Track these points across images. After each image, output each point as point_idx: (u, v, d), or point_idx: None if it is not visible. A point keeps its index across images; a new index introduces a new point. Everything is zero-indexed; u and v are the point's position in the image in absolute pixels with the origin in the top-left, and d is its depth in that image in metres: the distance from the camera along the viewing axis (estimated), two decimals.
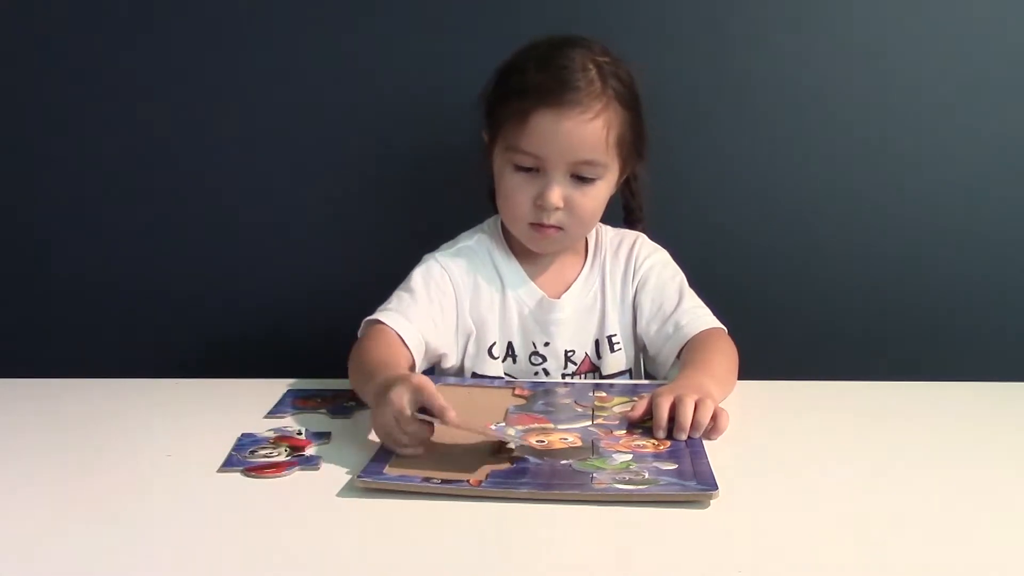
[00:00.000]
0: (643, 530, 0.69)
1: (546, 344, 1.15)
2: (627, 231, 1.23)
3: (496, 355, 1.15)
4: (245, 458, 0.84)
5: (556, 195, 1.06)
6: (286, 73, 1.35)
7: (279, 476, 0.80)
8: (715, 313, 1.14)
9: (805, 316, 1.39)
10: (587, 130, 1.04)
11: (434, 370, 1.15)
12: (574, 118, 1.04)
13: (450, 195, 1.27)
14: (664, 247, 1.21)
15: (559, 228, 1.10)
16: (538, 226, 1.09)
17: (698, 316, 1.12)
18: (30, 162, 1.39)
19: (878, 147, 1.34)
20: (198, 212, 1.40)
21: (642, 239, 1.21)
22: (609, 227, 1.22)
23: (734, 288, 1.33)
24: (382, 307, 1.09)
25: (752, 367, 1.07)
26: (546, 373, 1.15)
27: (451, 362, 1.15)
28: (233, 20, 1.34)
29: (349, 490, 0.75)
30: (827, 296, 1.38)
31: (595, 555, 0.66)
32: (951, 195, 1.35)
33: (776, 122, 1.35)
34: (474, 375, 1.15)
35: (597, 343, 1.17)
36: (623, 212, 1.24)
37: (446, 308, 1.13)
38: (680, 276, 1.19)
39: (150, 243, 1.41)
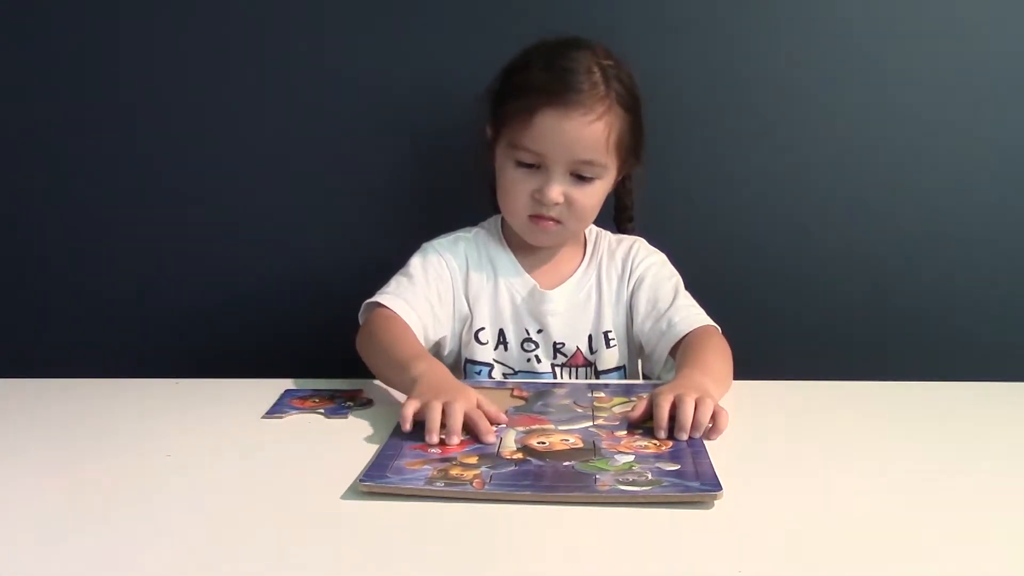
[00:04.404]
0: (645, 531, 0.69)
1: (539, 331, 1.17)
2: (627, 236, 1.25)
3: (483, 340, 1.17)
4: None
5: (556, 191, 1.09)
6: (284, 72, 1.35)
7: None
8: (716, 313, 1.14)
9: (805, 316, 1.39)
10: (589, 131, 1.07)
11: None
12: (577, 119, 1.06)
13: (451, 195, 1.27)
14: (664, 248, 1.23)
15: (557, 221, 1.12)
16: (537, 218, 1.12)
17: (691, 314, 1.13)
18: (29, 162, 1.38)
19: (878, 148, 1.34)
20: (196, 211, 1.39)
21: (641, 242, 1.23)
22: (611, 233, 1.25)
23: (735, 288, 1.34)
24: (382, 290, 1.13)
25: (752, 367, 1.07)
26: (538, 360, 1.17)
27: (448, 348, 1.17)
28: (230, 17, 1.34)
29: (352, 493, 0.75)
30: (828, 296, 1.38)
31: (599, 557, 0.65)
32: (951, 195, 1.35)
33: (777, 123, 1.34)
34: (467, 361, 1.17)
35: (591, 338, 1.18)
36: (614, 211, 1.25)
37: (443, 294, 1.16)
38: (676, 277, 1.21)
39: (148, 243, 1.40)
